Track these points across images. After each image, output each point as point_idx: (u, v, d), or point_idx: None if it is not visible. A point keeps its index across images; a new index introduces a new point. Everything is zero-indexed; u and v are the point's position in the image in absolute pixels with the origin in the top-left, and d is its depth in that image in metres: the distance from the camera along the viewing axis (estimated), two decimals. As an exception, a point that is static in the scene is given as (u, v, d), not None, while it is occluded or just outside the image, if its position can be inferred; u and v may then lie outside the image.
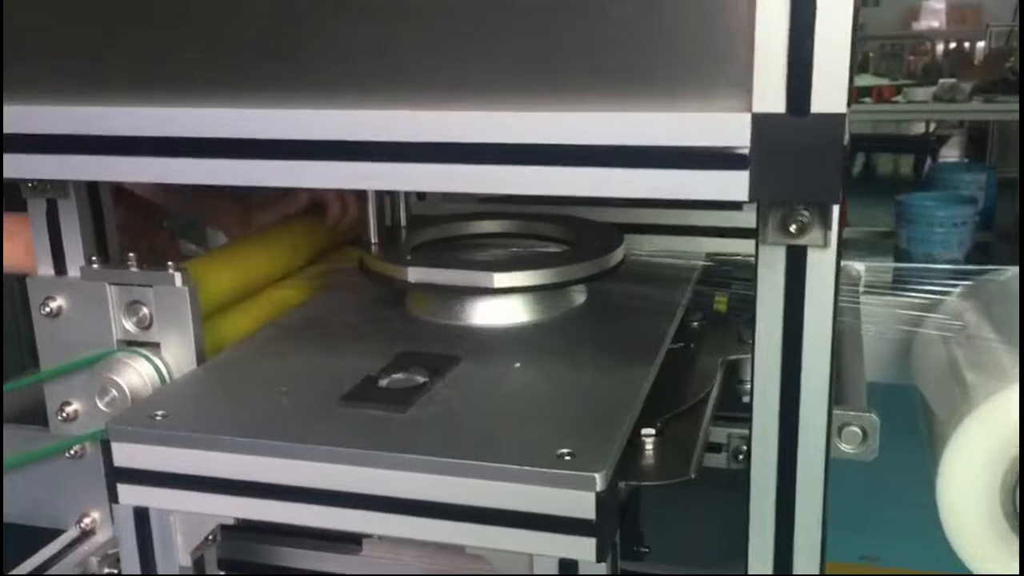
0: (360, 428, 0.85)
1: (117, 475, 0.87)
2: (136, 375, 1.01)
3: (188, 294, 1.01)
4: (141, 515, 0.88)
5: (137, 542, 0.89)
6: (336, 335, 1.08)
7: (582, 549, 0.76)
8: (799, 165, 0.72)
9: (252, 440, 0.84)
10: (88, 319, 1.04)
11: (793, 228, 0.76)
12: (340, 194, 1.31)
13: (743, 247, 1.31)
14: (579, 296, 1.14)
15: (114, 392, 1.00)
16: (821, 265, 0.77)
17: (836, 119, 0.70)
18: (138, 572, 0.89)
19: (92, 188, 1.04)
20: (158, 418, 0.88)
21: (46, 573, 1.04)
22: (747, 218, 1.31)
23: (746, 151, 0.72)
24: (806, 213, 0.75)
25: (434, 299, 1.10)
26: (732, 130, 0.72)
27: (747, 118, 0.72)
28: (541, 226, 1.23)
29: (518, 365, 0.97)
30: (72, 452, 1.09)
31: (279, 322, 1.12)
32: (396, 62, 0.81)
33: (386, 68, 0.81)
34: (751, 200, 0.74)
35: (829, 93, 0.70)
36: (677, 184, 0.75)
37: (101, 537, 1.11)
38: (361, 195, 1.19)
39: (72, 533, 1.12)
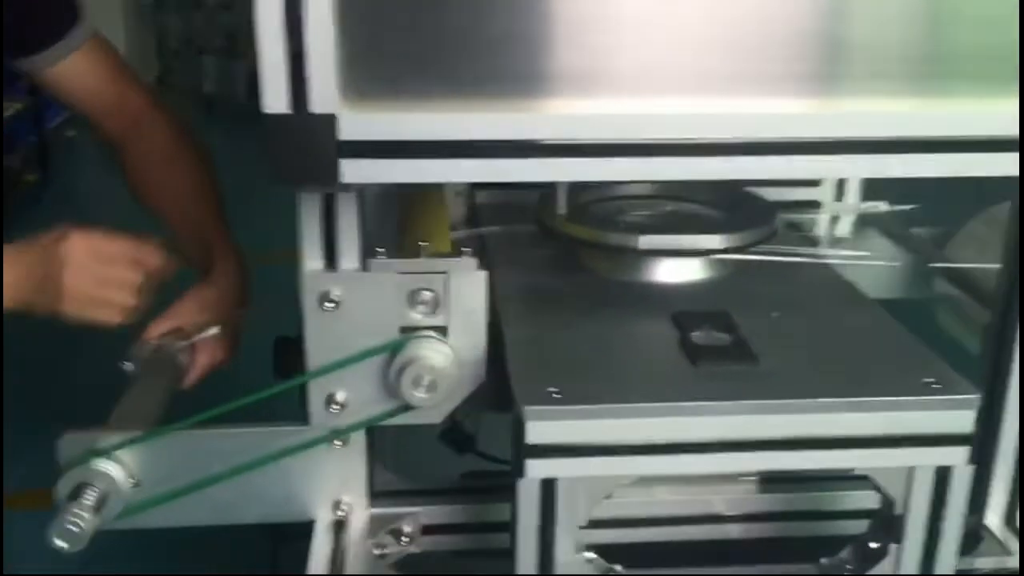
0: (736, 383, 0.98)
1: (527, 452, 0.94)
2: (443, 359, 1.05)
3: (484, 278, 1.06)
4: (546, 486, 0.95)
5: (540, 511, 0.96)
6: (577, 302, 1.17)
7: (956, 456, 0.97)
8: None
9: (655, 405, 0.95)
10: (369, 309, 1.05)
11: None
12: None
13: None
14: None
15: (429, 377, 1.04)
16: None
17: None
18: (536, 538, 0.97)
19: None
20: (555, 395, 0.95)
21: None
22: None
23: None
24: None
25: (625, 259, 1.22)
26: None
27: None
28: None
29: (776, 314, 1.13)
30: (339, 442, 1.10)
31: (505, 295, 1.18)
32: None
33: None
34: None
35: None
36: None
37: (357, 521, 1.14)
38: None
39: (327, 518, 1.13)
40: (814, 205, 1.53)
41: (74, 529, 1.01)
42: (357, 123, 0.85)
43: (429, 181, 0.89)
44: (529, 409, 0.93)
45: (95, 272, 1.19)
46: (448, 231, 1.27)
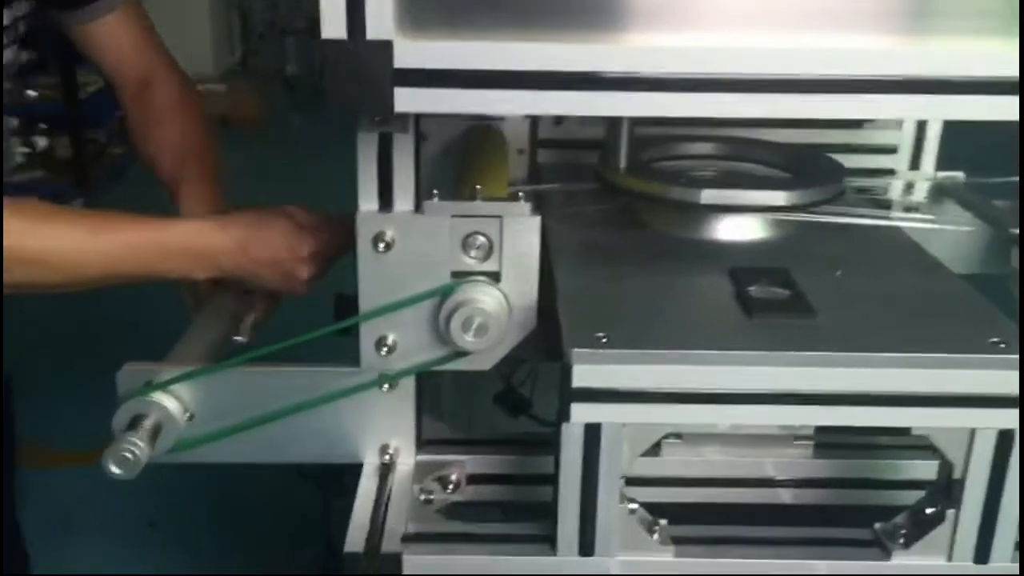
0: (792, 335, 0.95)
1: (573, 396, 0.93)
2: (494, 303, 1.05)
3: (539, 223, 1.05)
4: (591, 431, 0.94)
5: (583, 457, 0.95)
6: (633, 256, 1.15)
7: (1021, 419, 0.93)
8: None
9: (703, 352, 0.93)
10: (422, 252, 1.05)
11: None
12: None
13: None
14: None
15: (480, 320, 1.03)
16: None
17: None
18: (579, 484, 0.95)
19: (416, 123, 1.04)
20: (603, 340, 0.94)
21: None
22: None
23: None
24: None
25: (685, 215, 1.19)
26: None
27: None
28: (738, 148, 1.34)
29: (839, 273, 1.10)
30: (387, 385, 1.10)
31: (560, 248, 1.16)
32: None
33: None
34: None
35: None
36: None
37: (403, 467, 1.14)
38: (610, 123, 1.24)
39: (374, 462, 1.14)
40: (889, 173, 1.48)
41: (129, 456, 1.03)
42: (413, 51, 0.84)
43: (484, 112, 0.89)
44: (576, 352, 0.92)
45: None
46: (506, 185, 1.26)
